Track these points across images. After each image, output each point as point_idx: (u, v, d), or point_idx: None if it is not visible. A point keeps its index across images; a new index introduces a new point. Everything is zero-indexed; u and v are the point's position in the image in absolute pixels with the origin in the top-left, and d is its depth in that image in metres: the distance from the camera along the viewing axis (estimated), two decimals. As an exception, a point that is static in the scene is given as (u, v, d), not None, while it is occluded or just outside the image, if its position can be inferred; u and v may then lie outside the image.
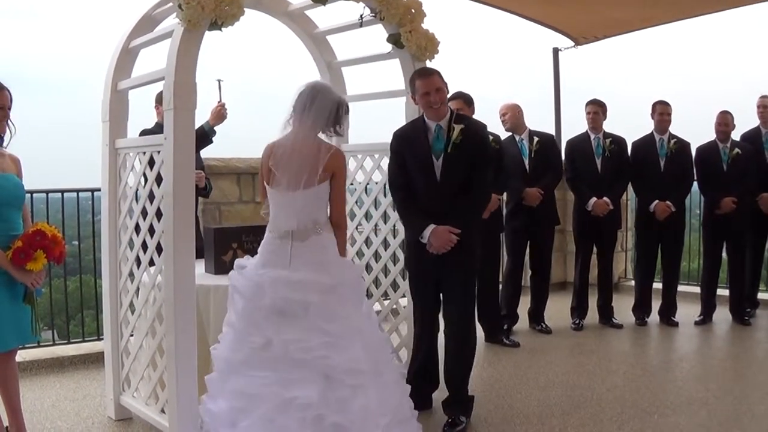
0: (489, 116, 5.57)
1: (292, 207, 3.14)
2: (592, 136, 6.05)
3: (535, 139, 5.82)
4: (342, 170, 3.22)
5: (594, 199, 5.89)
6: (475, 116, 5.40)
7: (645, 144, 6.07)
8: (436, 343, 4.00)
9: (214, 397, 3.16)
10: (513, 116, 5.84)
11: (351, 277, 3.25)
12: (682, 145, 6.04)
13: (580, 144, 6.11)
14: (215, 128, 4.75)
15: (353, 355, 3.04)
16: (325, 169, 3.12)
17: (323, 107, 3.14)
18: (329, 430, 2.93)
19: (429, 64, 4.08)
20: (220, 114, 4.72)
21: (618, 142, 6.04)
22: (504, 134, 5.84)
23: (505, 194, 5.82)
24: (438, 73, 3.80)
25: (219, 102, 4.72)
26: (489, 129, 5.53)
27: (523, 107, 5.92)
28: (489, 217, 5.27)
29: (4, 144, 3.30)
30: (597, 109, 6.06)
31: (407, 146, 3.85)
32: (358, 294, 3.29)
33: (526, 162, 5.79)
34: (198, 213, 4.98)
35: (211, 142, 4.82)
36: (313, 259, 3.14)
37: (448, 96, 5.34)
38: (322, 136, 3.21)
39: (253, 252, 3.35)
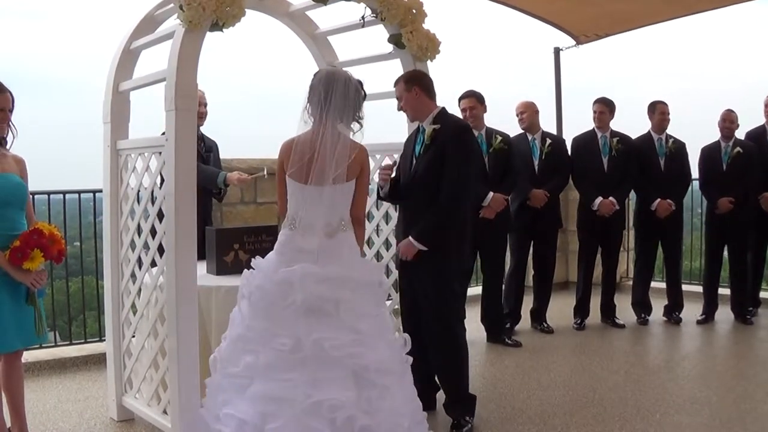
0: (489, 115, 5.55)
1: (320, 203, 3.03)
2: (599, 135, 5.96)
3: (548, 141, 5.79)
4: (367, 167, 3.15)
5: (600, 198, 5.85)
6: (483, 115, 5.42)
7: (644, 143, 6.05)
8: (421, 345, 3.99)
9: (232, 402, 2.96)
10: (530, 115, 5.81)
11: (376, 275, 3.18)
12: (680, 145, 6.05)
13: (586, 142, 6.01)
14: (227, 187, 4.81)
15: (381, 354, 2.98)
16: (353, 165, 3.03)
17: (344, 95, 2.99)
18: None
19: (430, 64, 4.07)
20: (243, 182, 4.80)
21: (625, 141, 5.97)
22: (514, 132, 5.79)
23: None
24: (400, 80, 3.78)
25: (252, 177, 4.84)
26: (497, 128, 5.53)
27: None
28: (496, 218, 5.26)
29: (8, 146, 3.29)
30: (604, 109, 5.97)
31: (406, 148, 3.87)
32: (382, 293, 3.23)
33: (536, 162, 5.77)
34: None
35: (218, 190, 4.82)
36: (340, 256, 3.05)
37: (461, 95, 5.36)
38: (339, 126, 3.05)
39: (255, 252, 3.30)
